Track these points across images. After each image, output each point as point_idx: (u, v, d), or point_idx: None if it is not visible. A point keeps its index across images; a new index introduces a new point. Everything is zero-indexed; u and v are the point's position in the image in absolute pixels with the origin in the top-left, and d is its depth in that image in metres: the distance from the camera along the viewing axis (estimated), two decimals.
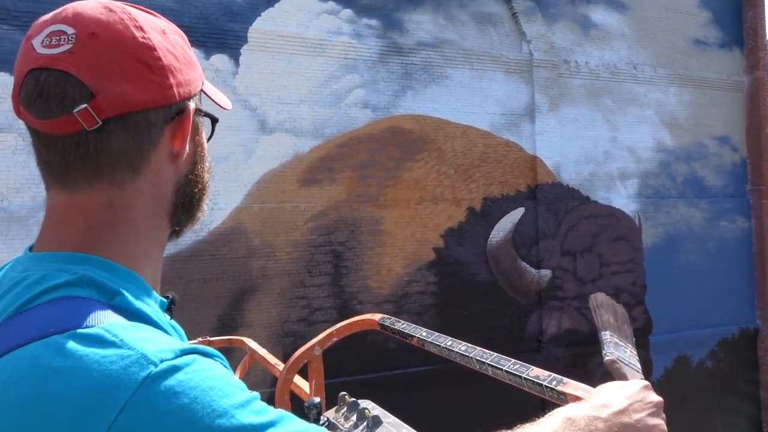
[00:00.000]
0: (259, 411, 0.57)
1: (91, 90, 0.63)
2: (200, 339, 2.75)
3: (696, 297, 8.72)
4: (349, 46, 6.78)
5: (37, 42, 0.65)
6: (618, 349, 1.09)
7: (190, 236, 5.80)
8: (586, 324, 7.77)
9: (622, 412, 0.81)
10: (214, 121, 0.81)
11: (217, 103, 0.80)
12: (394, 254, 6.91)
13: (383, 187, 6.90)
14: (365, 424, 1.45)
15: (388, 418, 1.47)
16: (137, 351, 0.54)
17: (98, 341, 0.55)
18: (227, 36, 6.20)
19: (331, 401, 1.68)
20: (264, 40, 6.36)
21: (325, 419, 1.56)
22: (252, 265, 6.25)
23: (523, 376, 1.11)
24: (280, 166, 6.42)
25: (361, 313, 1.98)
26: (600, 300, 1.24)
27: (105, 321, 0.58)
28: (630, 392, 0.84)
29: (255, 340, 2.65)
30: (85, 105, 0.63)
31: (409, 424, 1.46)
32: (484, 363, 1.23)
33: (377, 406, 1.54)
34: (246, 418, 0.55)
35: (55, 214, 0.69)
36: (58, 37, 0.65)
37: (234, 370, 2.59)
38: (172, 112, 0.70)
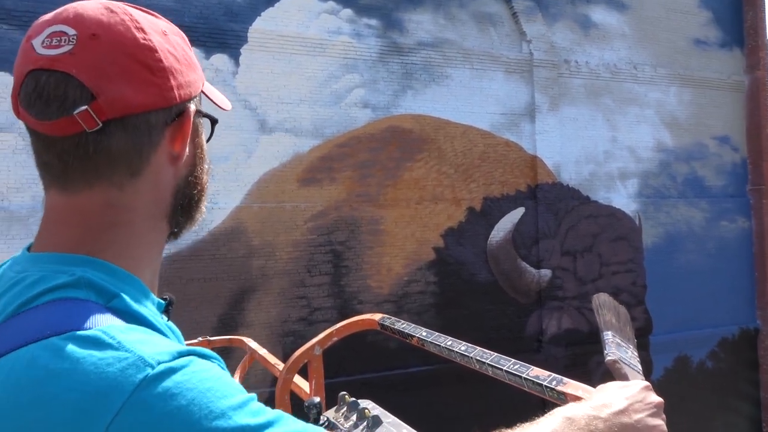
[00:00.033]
0: (256, 412, 0.57)
1: (91, 92, 0.63)
2: (200, 339, 2.75)
3: (696, 297, 8.72)
4: (349, 45, 6.78)
5: (37, 42, 0.65)
6: (620, 349, 1.09)
7: (190, 236, 5.80)
8: (586, 324, 7.77)
9: (622, 412, 0.81)
10: (213, 122, 0.80)
11: (217, 104, 0.79)
12: (394, 254, 6.91)
13: (383, 187, 6.90)
14: (365, 423, 1.45)
15: (388, 418, 1.47)
16: (134, 353, 0.54)
17: (96, 343, 0.55)
18: (227, 36, 6.20)
19: (331, 401, 1.68)
20: (264, 39, 6.36)
21: (325, 419, 1.56)
22: (252, 264, 6.26)
23: (523, 376, 1.11)
24: (280, 165, 6.42)
25: (361, 313, 1.98)
26: (603, 300, 1.24)
27: (103, 323, 0.58)
28: (630, 392, 0.84)
29: (255, 339, 2.65)
30: (86, 107, 0.63)
31: (409, 424, 1.45)
32: (484, 363, 1.23)
33: (377, 406, 1.54)
34: (243, 419, 0.55)
35: (54, 215, 0.69)
36: (58, 38, 0.64)
37: (234, 370, 2.59)
38: (173, 114, 0.70)
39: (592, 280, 8.04)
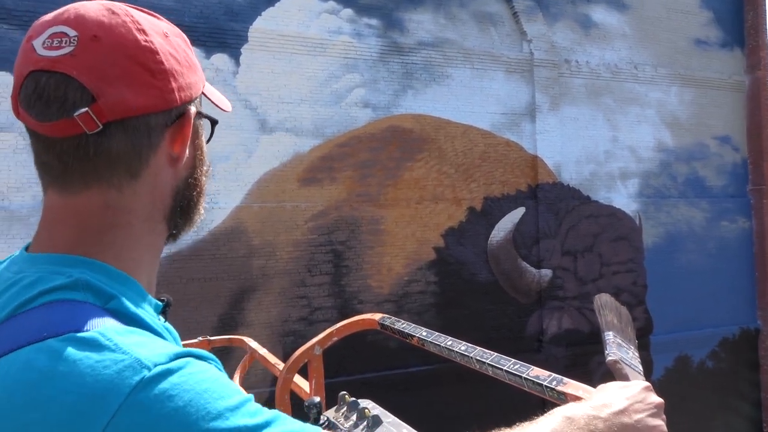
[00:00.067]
0: (253, 412, 0.57)
1: (92, 94, 0.63)
2: (200, 338, 2.75)
3: (697, 297, 8.71)
4: (349, 45, 6.78)
5: (38, 43, 0.64)
6: (620, 350, 1.08)
7: (190, 235, 5.80)
8: (586, 324, 7.77)
9: (622, 412, 0.81)
10: (214, 123, 0.80)
11: (217, 106, 0.79)
12: (394, 254, 6.91)
13: (384, 187, 6.90)
14: (365, 423, 1.45)
15: (388, 418, 1.47)
16: (131, 355, 0.54)
17: (92, 345, 0.55)
18: (228, 35, 6.20)
19: (331, 401, 1.68)
20: (264, 39, 6.36)
21: (325, 419, 1.56)
22: (252, 264, 6.26)
23: (523, 376, 1.11)
24: (281, 165, 6.42)
25: (362, 313, 1.98)
26: (604, 301, 1.24)
27: (99, 325, 0.58)
28: (631, 393, 0.84)
29: (255, 339, 2.65)
30: (86, 109, 0.62)
31: (409, 424, 1.45)
32: (484, 363, 1.22)
33: (377, 406, 1.54)
34: (240, 420, 0.55)
35: (52, 216, 0.68)
36: (59, 39, 0.64)
37: (234, 370, 2.59)
38: (173, 116, 0.70)
39: (592, 280, 8.03)
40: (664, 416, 0.85)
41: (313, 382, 1.88)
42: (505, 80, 7.64)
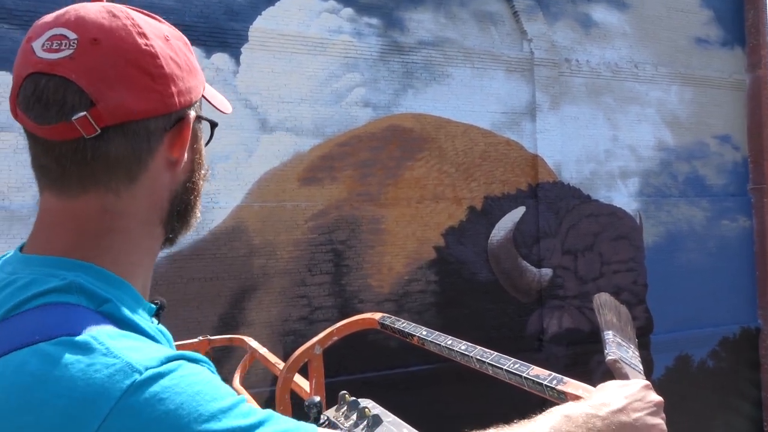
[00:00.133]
0: (246, 413, 0.57)
1: (90, 98, 0.62)
2: (201, 338, 2.75)
3: (697, 296, 8.71)
4: (349, 44, 6.78)
5: (37, 45, 0.64)
6: (620, 349, 1.09)
7: (190, 235, 5.80)
8: (587, 323, 7.77)
9: (620, 410, 0.81)
10: (213, 126, 0.80)
11: (217, 109, 0.79)
12: (394, 253, 6.91)
13: (384, 186, 6.90)
14: (365, 423, 1.45)
15: (388, 417, 1.47)
16: (122, 359, 0.54)
17: (84, 349, 0.55)
18: (228, 35, 6.20)
19: (332, 400, 1.68)
20: (265, 38, 6.36)
21: (325, 418, 1.56)
22: (253, 263, 6.26)
23: (523, 375, 1.11)
24: (281, 164, 6.43)
25: (362, 312, 1.98)
26: (604, 300, 1.24)
27: (92, 329, 0.57)
28: (630, 392, 0.84)
29: (256, 338, 2.65)
30: (85, 113, 0.62)
31: (409, 423, 1.45)
32: (484, 362, 1.22)
33: (377, 405, 1.54)
34: (233, 421, 0.55)
35: (48, 218, 0.68)
36: (59, 42, 0.63)
37: (234, 369, 2.59)
38: (172, 120, 0.69)
39: (593, 279, 8.03)
40: (663, 415, 0.85)
41: (314, 381, 1.88)
42: (506, 79, 7.64)
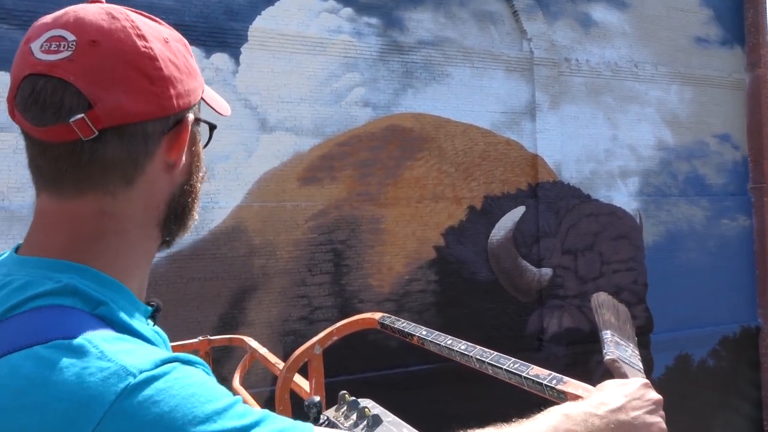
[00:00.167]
0: (242, 414, 0.57)
1: (88, 100, 0.62)
2: (201, 338, 2.75)
3: (697, 295, 8.71)
4: (349, 44, 6.77)
5: (35, 46, 0.63)
6: (618, 348, 1.08)
7: (190, 235, 5.80)
8: (587, 322, 7.77)
9: (619, 409, 0.81)
10: (212, 128, 0.79)
11: (216, 111, 0.79)
12: (394, 253, 6.91)
13: (384, 186, 6.90)
14: (365, 422, 1.45)
15: (388, 417, 1.47)
16: (116, 363, 0.54)
17: (79, 353, 0.55)
18: (227, 35, 6.20)
19: (332, 400, 1.68)
20: (264, 38, 6.36)
21: (325, 418, 1.56)
22: (253, 263, 6.26)
23: (523, 374, 1.11)
24: (281, 164, 6.42)
25: (362, 312, 1.98)
26: (601, 299, 1.24)
27: (87, 332, 0.57)
28: (628, 390, 0.84)
29: (256, 338, 2.65)
30: (82, 115, 0.61)
31: (409, 423, 1.45)
32: (483, 362, 1.22)
33: (377, 405, 1.54)
34: (228, 422, 0.55)
35: (44, 219, 0.68)
36: (57, 43, 0.63)
37: (234, 369, 2.59)
38: (170, 123, 0.68)
39: (593, 279, 8.03)
40: (662, 413, 0.85)
41: (313, 381, 1.88)
42: (505, 79, 7.64)
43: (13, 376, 0.54)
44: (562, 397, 1.01)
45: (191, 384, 0.56)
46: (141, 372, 0.54)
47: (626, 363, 1.05)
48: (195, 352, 2.70)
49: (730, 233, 9.21)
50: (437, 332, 1.47)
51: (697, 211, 9.00)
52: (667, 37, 8.85)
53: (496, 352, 1.24)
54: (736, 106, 9.35)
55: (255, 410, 0.58)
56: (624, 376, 0.99)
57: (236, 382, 2.48)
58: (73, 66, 0.62)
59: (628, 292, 8.23)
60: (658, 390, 0.88)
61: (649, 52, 8.71)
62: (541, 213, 7.72)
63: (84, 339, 0.56)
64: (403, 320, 1.64)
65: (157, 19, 0.71)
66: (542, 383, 1.06)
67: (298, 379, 1.97)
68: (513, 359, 1.18)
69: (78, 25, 0.64)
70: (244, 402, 0.60)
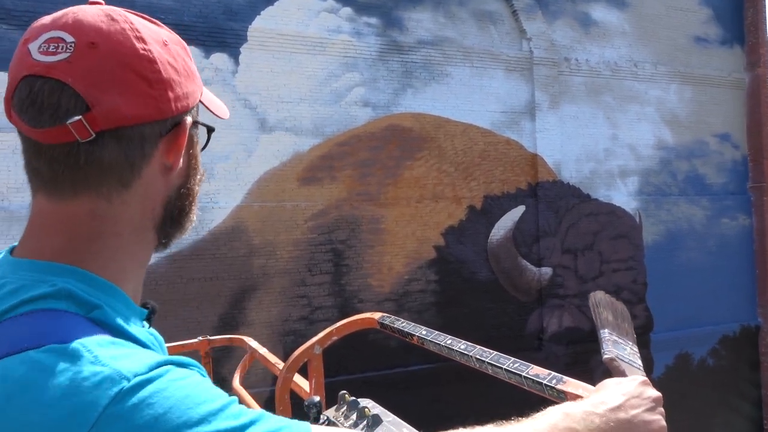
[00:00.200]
0: (236, 414, 0.56)
1: (86, 102, 0.61)
2: (201, 338, 2.75)
3: (697, 294, 8.72)
4: (348, 44, 6.77)
5: (34, 47, 0.63)
6: (616, 346, 1.08)
7: (190, 235, 5.80)
8: (587, 322, 7.77)
9: (618, 408, 0.81)
10: (210, 131, 0.79)
11: (215, 114, 0.78)
12: (394, 253, 6.91)
13: (384, 186, 6.90)
14: (365, 422, 1.45)
15: (388, 417, 1.47)
16: (110, 367, 0.54)
17: (73, 357, 0.55)
18: (227, 35, 6.20)
19: (332, 400, 1.68)
20: (264, 38, 6.36)
21: (325, 418, 1.56)
22: (253, 263, 6.26)
23: (523, 374, 1.10)
24: (281, 164, 6.42)
25: (362, 312, 1.98)
26: (599, 298, 1.24)
27: (81, 336, 0.57)
28: (627, 389, 0.84)
29: (256, 338, 2.65)
30: (79, 117, 0.61)
31: (409, 423, 1.45)
32: (483, 362, 1.22)
33: (377, 405, 1.54)
34: (223, 422, 0.55)
35: (40, 221, 0.68)
36: (56, 45, 0.63)
37: (234, 369, 2.59)
38: (168, 126, 0.68)
39: (592, 278, 8.03)
40: (662, 410, 0.85)
41: (313, 381, 1.88)
42: (505, 78, 7.64)
43: (6, 381, 0.54)
44: (562, 396, 1.01)
45: (185, 386, 0.56)
46: (135, 376, 0.54)
47: (625, 361, 1.05)
48: (195, 352, 2.70)
49: (730, 232, 9.22)
50: (437, 332, 1.47)
51: (696, 211, 9.00)
52: (667, 37, 8.85)
53: (495, 352, 1.24)
54: (736, 105, 9.35)
55: (250, 410, 0.58)
56: (623, 374, 0.99)
57: (236, 382, 2.48)
58: (71, 68, 0.62)
59: (628, 292, 8.23)
60: (658, 388, 0.88)
61: (649, 52, 8.71)
62: (540, 212, 7.72)
63: (78, 343, 0.56)
64: (402, 320, 1.64)
65: (157, 21, 0.71)
66: (542, 383, 1.06)
67: (298, 379, 1.97)
68: (513, 359, 1.18)
69: (77, 27, 0.64)
70: (241, 402, 0.60)
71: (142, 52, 0.65)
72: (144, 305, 0.73)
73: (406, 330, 1.56)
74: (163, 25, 0.71)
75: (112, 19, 0.65)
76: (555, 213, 7.84)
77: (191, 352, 2.57)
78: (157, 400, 0.53)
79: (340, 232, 6.66)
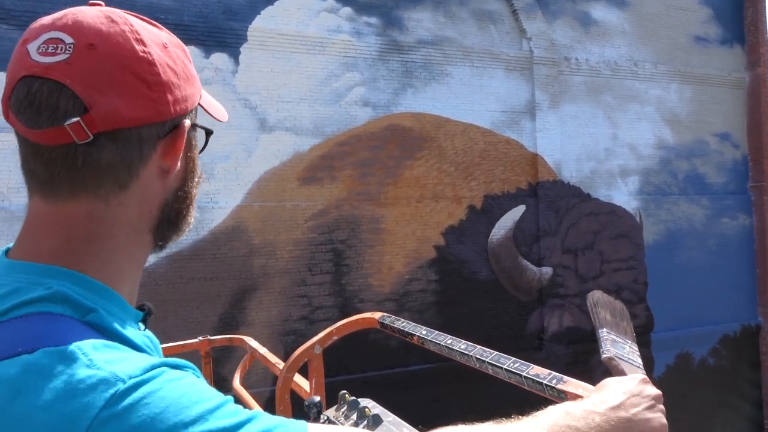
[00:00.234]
0: (231, 413, 0.57)
1: (84, 103, 0.61)
2: (201, 338, 2.76)
3: (697, 294, 8.72)
4: (348, 44, 6.77)
5: (32, 48, 0.63)
6: (615, 345, 1.08)
7: (190, 235, 5.80)
8: (587, 321, 7.77)
9: (618, 407, 0.81)
10: (209, 134, 0.79)
11: (213, 117, 0.78)
12: (395, 252, 6.91)
13: (384, 185, 6.90)
14: (365, 422, 1.45)
15: (388, 417, 1.47)
16: (105, 370, 0.54)
17: (68, 360, 0.55)
18: (227, 34, 6.20)
19: (332, 400, 1.68)
20: (264, 38, 6.35)
21: (325, 418, 1.56)
22: (253, 263, 6.26)
23: (523, 374, 1.10)
24: (281, 164, 6.42)
25: (363, 312, 1.98)
26: (597, 298, 1.24)
27: (76, 340, 0.57)
28: (627, 387, 0.85)
29: (256, 338, 2.65)
30: (78, 118, 0.61)
31: (409, 423, 1.45)
32: (483, 361, 1.22)
33: (377, 405, 1.54)
34: (218, 422, 0.55)
35: (36, 223, 0.67)
36: (55, 45, 0.62)
37: (235, 369, 2.59)
38: (166, 128, 0.68)
39: (593, 278, 8.03)
40: (662, 407, 0.85)
41: (314, 381, 1.88)
42: (505, 78, 7.63)
43: (1, 384, 0.54)
44: (563, 396, 1.01)
45: (180, 386, 0.56)
46: (130, 378, 0.54)
47: (624, 360, 1.05)
48: (195, 352, 2.70)
49: (730, 232, 9.21)
50: (437, 332, 1.46)
51: (697, 210, 9.00)
52: (667, 36, 8.85)
53: (496, 352, 1.24)
54: (736, 104, 9.35)
55: (245, 410, 0.58)
56: (622, 373, 0.99)
57: (236, 382, 2.48)
58: (69, 69, 0.62)
59: (629, 291, 8.23)
60: (658, 387, 0.88)
61: (649, 51, 8.71)
62: (541, 212, 7.72)
63: (73, 347, 0.56)
64: (403, 320, 1.64)
65: (157, 23, 0.71)
66: (542, 383, 1.06)
67: (298, 379, 1.97)
68: (513, 358, 1.18)
69: (76, 28, 0.63)
70: (241, 402, 0.60)
71: (141, 54, 0.65)
72: (140, 307, 0.73)
73: (406, 330, 1.55)
74: (163, 27, 0.71)
75: (112, 21, 0.65)
76: (555, 212, 7.84)
77: (191, 352, 2.57)
78: (152, 401, 0.53)
79: (341, 232, 6.65)
